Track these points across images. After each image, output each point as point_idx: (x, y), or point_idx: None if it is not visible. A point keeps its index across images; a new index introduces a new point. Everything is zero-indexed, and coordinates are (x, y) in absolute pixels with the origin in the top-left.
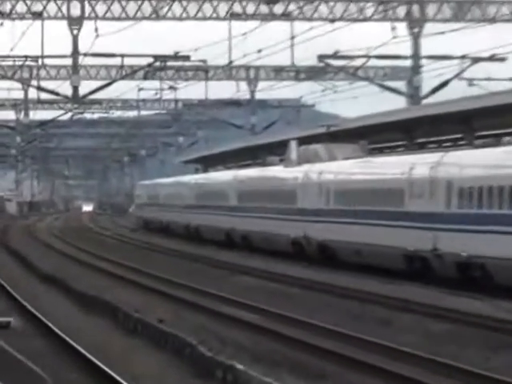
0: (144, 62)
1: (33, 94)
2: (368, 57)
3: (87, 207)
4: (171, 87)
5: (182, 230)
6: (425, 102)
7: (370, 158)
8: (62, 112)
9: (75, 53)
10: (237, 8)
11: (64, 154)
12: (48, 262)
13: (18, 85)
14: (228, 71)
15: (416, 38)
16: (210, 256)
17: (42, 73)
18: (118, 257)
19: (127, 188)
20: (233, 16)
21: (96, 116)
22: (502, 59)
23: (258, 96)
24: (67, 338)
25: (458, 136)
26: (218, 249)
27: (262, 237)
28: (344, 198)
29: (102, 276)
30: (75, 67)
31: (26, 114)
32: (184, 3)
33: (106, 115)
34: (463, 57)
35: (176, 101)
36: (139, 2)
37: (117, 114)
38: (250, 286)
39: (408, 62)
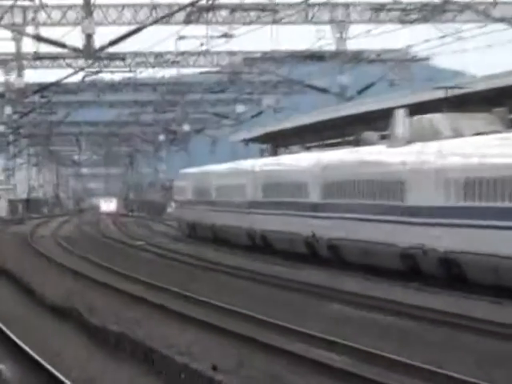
0: None
1: (28, 46)
2: None
3: (108, 206)
4: (224, 35)
5: (244, 237)
6: None
7: None
8: (69, 71)
9: None
10: None
11: (74, 131)
12: (55, 287)
13: (8, 33)
14: (305, 12)
15: None
16: (284, 275)
17: (42, 16)
18: (153, 277)
19: (164, 179)
20: None
21: (118, 77)
22: None
23: (349, 46)
24: None
25: None
26: (295, 264)
27: (359, 248)
28: (479, 191)
29: (130, 305)
30: (88, 7)
31: (20, 75)
32: None
33: (131, 75)
34: None
35: (231, 54)
36: None
37: (147, 73)
38: (343, 317)
39: None
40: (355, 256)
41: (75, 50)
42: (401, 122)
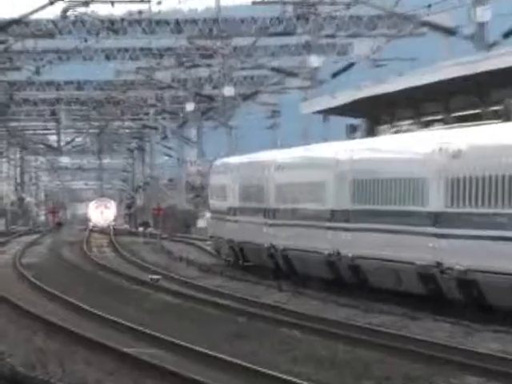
0: None
1: None
2: None
3: (101, 216)
4: None
5: (322, 268)
6: None
7: None
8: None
9: None
10: None
11: (48, 97)
12: (17, 347)
13: None
14: None
15: None
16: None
17: None
18: (176, 335)
19: (193, 174)
20: None
21: (120, 11)
22: None
23: None
24: None
25: None
26: (416, 314)
27: None
28: None
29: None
30: None
31: None
32: None
33: (142, 7)
34: None
35: None
36: None
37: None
38: None
39: None
40: None
41: None
42: None
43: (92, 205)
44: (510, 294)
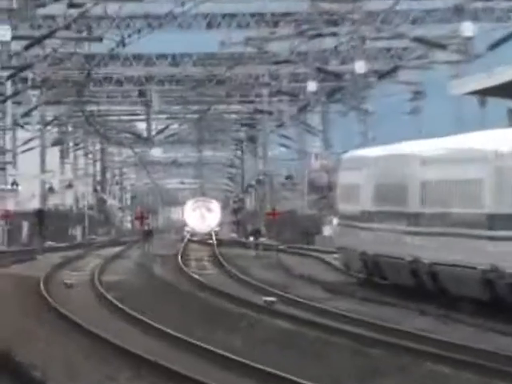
0: None
1: None
2: None
3: (200, 223)
4: None
5: (479, 287)
6: None
7: None
8: None
9: None
10: None
11: (137, 74)
12: None
13: None
14: None
15: None
16: None
17: None
18: (306, 373)
19: (314, 169)
20: None
21: None
22: None
23: None
24: None
25: None
26: None
27: None
28: None
29: None
30: None
31: None
32: None
33: None
34: None
35: None
36: None
37: None
38: None
39: None
40: None
41: None
42: None
43: (189, 206)
44: None
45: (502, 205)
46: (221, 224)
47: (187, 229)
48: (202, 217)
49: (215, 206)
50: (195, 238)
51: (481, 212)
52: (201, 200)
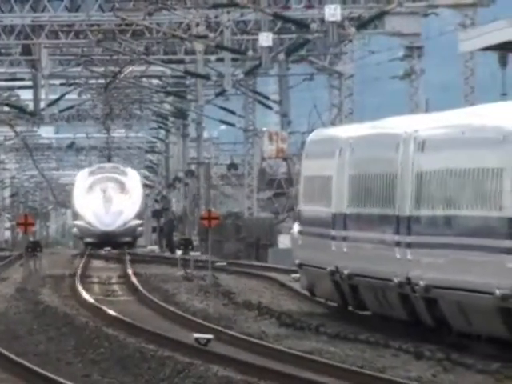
0: None
1: None
2: None
3: (103, 211)
4: None
5: (493, 319)
6: None
7: None
8: None
9: None
10: None
11: (21, 22)
12: None
13: None
14: None
15: None
16: None
17: None
18: None
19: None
20: None
21: None
22: None
23: None
24: None
25: None
26: None
27: None
28: None
29: None
30: None
31: None
32: None
33: None
34: None
35: None
36: None
37: None
38: None
39: None
40: None
41: None
42: None
43: (82, 180)
44: None
45: None
46: (143, 215)
47: (78, 224)
48: (108, 201)
49: (132, 180)
50: (94, 242)
51: (500, 216)
52: (105, 169)
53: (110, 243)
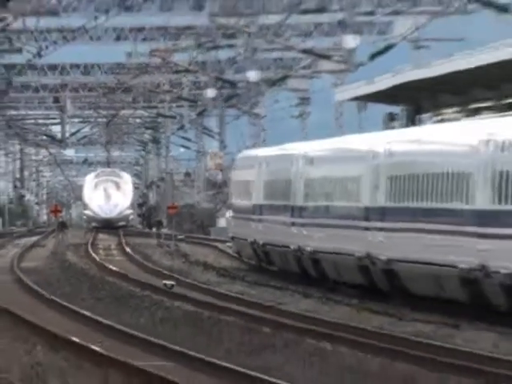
0: None
1: None
2: None
3: (104, 204)
4: None
5: (355, 272)
6: None
7: None
8: None
9: None
10: None
11: (52, 82)
12: (9, 359)
13: None
14: None
15: None
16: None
17: None
18: (193, 347)
19: (211, 168)
20: None
21: None
22: None
23: None
24: None
25: None
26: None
27: None
28: None
29: None
30: None
31: None
32: None
33: None
34: None
35: None
36: None
37: None
38: None
39: None
40: None
41: None
42: None
43: (90, 181)
44: None
45: (379, 197)
46: (133, 206)
47: (87, 213)
48: (108, 196)
49: (126, 180)
50: (98, 226)
51: (359, 206)
52: (106, 173)
53: (109, 226)
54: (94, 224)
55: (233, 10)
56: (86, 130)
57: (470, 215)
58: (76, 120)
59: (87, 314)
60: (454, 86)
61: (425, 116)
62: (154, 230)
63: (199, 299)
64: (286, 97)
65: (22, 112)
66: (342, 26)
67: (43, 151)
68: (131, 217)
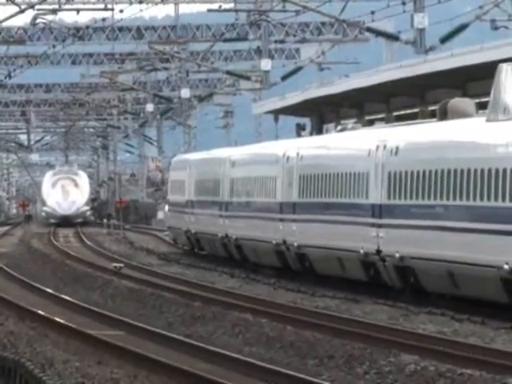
0: None
1: None
2: None
3: (62, 201)
4: None
5: (272, 255)
6: None
7: None
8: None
9: None
10: None
11: (19, 99)
12: None
13: None
14: None
15: None
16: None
17: None
18: (137, 317)
19: (153, 170)
20: None
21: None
22: None
23: None
24: None
25: None
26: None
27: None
28: None
29: (103, 359)
30: None
31: None
32: None
33: (105, 15)
34: None
35: None
36: None
37: (129, 12)
38: None
39: None
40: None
41: None
42: (510, 83)
43: (48, 179)
44: (443, 280)
45: (290, 194)
46: (89, 203)
47: (46, 210)
48: (66, 193)
49: (83, 178)
50: (56, 222)
51: (275, 201)
52: (63, 171)
53: (67, 223)
54: (52, 220)
55: (168, 39)
56: (48, 138)
57: (367, 208)
58: (39, 130)
59: (50, 291)
60: (352, 100)
61: (329, 126)
62: (105, 221)
63: (143, 279)
64: (213, 110)
65: None
66: (259, 52)
67: (12, 155)
68: (88, 213)
